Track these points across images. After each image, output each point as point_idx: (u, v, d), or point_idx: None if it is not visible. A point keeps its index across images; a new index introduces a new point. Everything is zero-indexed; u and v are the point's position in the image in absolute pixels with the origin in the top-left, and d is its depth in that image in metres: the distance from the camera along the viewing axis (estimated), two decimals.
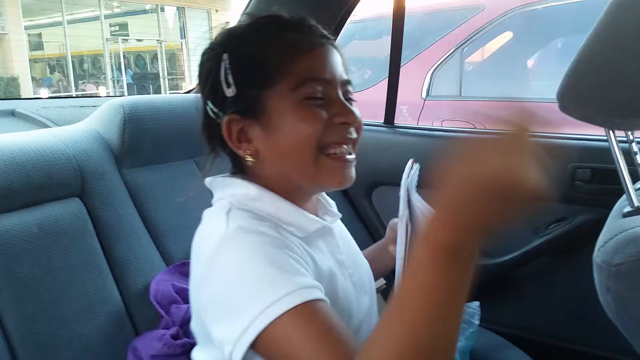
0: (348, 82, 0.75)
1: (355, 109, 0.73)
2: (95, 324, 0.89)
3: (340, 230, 0.87)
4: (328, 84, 0.71)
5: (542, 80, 2.79)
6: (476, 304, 1.20)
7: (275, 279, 0.59)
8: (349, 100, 0.74)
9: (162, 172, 1.14)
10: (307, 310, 0.58)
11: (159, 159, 1.15)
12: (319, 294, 0.60)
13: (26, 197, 0.89)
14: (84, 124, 1.13)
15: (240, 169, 0.77)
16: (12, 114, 1.41)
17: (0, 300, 0.80)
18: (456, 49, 2.50)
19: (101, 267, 0.94)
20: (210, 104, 0.74)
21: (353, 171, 0.74)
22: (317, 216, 0.79)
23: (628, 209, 0.79)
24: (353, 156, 0.74)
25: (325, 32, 0.75)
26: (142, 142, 1.09)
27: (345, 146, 0.72)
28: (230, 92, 0.70)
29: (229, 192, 0.73)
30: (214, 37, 0.76)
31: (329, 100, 0.71)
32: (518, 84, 2.67)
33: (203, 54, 0.76)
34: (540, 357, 1.16)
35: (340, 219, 0.87)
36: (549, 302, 1.42)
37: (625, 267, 0.66)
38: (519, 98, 2.48)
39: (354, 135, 0.74)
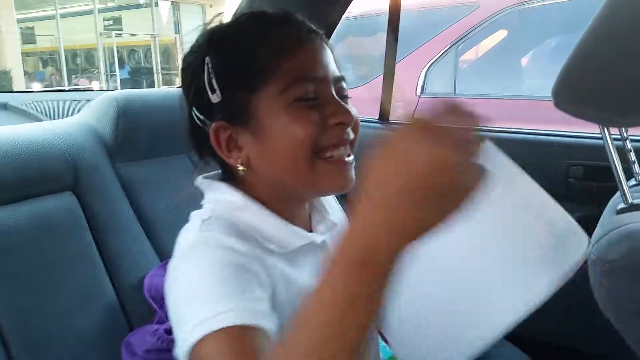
0: (341, 78, 0.70)
1: (351, 107, 0.68)
2: (89, 318, 0.88)
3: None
4: (320, 82, 0.66)
5: (536, 79, 2.80)
6: None
7: (217, 298, 0.57)
8: (344, 98, 0.70)
9: (155, 166, 1.14)
10: (233, 334, 0.54)
11: (152, 153, 1.14)
12: (256, 321, 0.56)
13: (19, 190, 0.88)
14: (77, 117, 1.12)
15: (230, 176, 0.72)
16: (5, 107, 1.40)
17: None
18: (451, 46, 2.50)
19: (95, 262, 0.93)
20: (195, 111, 0.69)
21: (353, 173, 0.68)
22: (311, 225, 0.75)
23: (622, 205, 0.79)
24: (352, 157, 0.69)
25: (313, 27, 0.70)
26: (136, 136, 1.09)
27: (342, 148, 0.67)
28: (215, 98, 0.66)
29: (214, 197, 0.70)
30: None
31: (323, 100, 0.66)
32: (512, 82, 2.67)
33: (184, 58, 0.72)
34: (533, 353, 1.17)
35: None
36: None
37: (619, 263, 0.67)
38: (513, 96, 2.49)
39: (352, 135, 0.68)
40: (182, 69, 0.71)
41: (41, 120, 1.29)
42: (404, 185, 0.42)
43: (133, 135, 1.08)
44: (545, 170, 1.35)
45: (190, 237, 0.65)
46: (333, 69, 0.69)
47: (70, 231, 0.91)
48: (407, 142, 0.43)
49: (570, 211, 1.36)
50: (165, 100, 1.15)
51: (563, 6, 2.60)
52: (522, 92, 2.61)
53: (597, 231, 0.76)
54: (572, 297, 1.38)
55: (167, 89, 1.21)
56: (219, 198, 0.70)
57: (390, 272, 0.44)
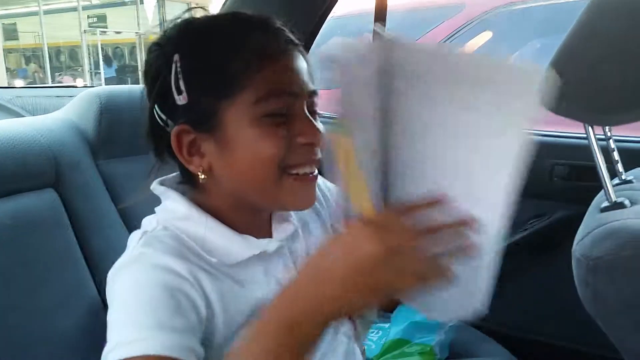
0: (314, 92, 0.66)
1: (320, 124, 0.65)
2: (71, 318, 0.87)
3: (307, 243, 0.75)
4: (294, 97, 0.63)
5: None
6: None
7: (139, 323, 0.57)
8: (314, 113, 0.66)
9: (138, 163, 1.11)
10: None
11: (135, 151, 1.12)
12: (173, 353, 0.55)
13: None
14: (59, 113, 1.11)
15: (189, 179, 0.69)
16: None
17: None
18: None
19: (77, 260, 0.92)
20: (157, 109, 0.66)
21: (315, 191, 0.68)
22: (271, 229, 0.72)
23: (606, 204, 0.80)
24: (316, 172, 0.67)
25: (291, 37, 0.66)
26: (119, 132, 1.07)
27: (309, 166, 0.65)
28: (181, 99, 0.62)
29: (163, 205, 0.68)
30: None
31: (293, 117, 0.63)
32: None
33: (150, 49, 0.66)
34: (518, 351, 1.18)
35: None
36: (527, 297, 1.44)
37: (604, 261, 0.67)
38: None
39: (319, 155, 0.66)
40: (146, 61, 0.67)
41: (22, 116, 1.27)
42: (342, 274, 0.46)
43: (116, 132, 1.06)
44: (529, 169, 1.36)
45: (128, 252, 0.65)
46: (307, 83, 0.66)
47: (52, 229, 0.90)
48: (358, 237, 0.47)
49: (555, 210, 1.38)
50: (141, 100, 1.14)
51: (547, 8, 2.62)
52: None
53: (581, 229, 0.76)
54: (556, 295, 1.39)
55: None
56: (166, 207, 0.68)
57: (315, 339, 0.49)
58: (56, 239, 0.90)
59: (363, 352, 1.13)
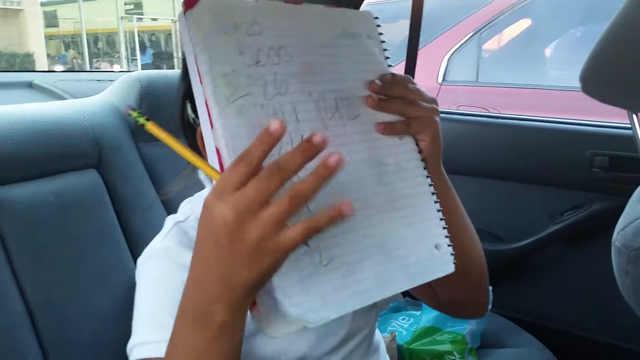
0: None
1: None
2: (110, 294, 0.90)
3: None
4: None
5: (559, 70, 2.75)
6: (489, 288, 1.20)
7: (157, 324, 0.59)
8: None
9: None
10: None
11: (174, 134, 1.15)
12: None
13: (44, 166, 0.89)
14: (101, 96, 1.13)
15: None
16: (30, 85, 1.42)
17: (20, 268, 0.81)
18: (474, 33, 2.47)
19: (117, 239, 0.94)
20: (188, 107, 0.66)
21: None
22: None
23: None
24: None
25: None
26: (158, 117, 1.07)
27: None
28: None
29: (202, 192, 0.69)
30: None
31: None
32: (535, 72, 2.63)
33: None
34: (551, 344, 1.16)
35: None
36: (562, 289, 1.42)
37: None
38: (536, 85, 2.45)
39: None
40: (182, 57, 0.66)
41: (65, 99, 1.30)
42: (215, 251, 0.44)
43: (155, 116, 1.07)
44: (567, 160, 1.33)
45: (158, 240, 0.66)
46: None
47: (94, 208, 0.92)
48: (208, 208, 0.44)
49: (593, 201, 1.35)
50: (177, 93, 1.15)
51: None
52: (545, 82, 2.57)
53: (623, 219, 0.75)
54: (592, 288, 1.37)
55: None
56: (194, 205, 0.69)
57: (229, 327, 0.46)
58: (97, 218, 0.92)
59: (393, 339, 1.14)
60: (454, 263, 0.60)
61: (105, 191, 0.96)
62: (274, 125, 0.42)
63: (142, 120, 0.53)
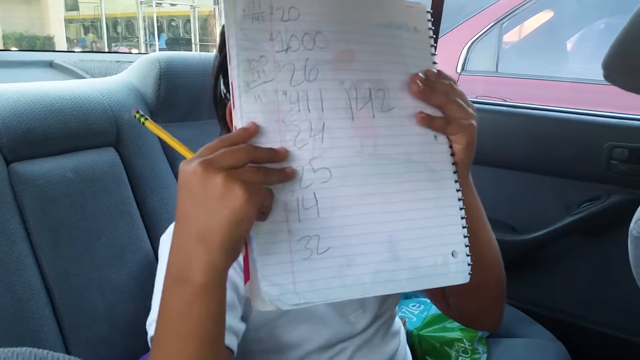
0: None
1: None
2: (126, 270, 0.91)
3: None
4: None
5: (580, 63, 2.71)
6: None
7: None
8: None
9: (194, 129, 1.15)
10: None
11: (191, 116, 1.16)
12: None
13: (63, 143, 0.91)
14: (120, 76, 1.14)
15: None
16: (50, 65, 1.44)
17: (38, 241, 0.82)
18: (495, 23, 2.44)
19: (133, 216, 0.96)
20: (221, 82, 0.69)
21: None
22: None
23: None
24: None
25: None
26: (176, 97, 1.10)
27: None
28: None
29: None
30: None
31: None
32: (556, 65, 2.59)
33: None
34: (563, 336, 1.16)
35: None
36: (575, 281, 1.41)
37: None
38: (556, 77, 2.42)
39: None
40: (220, 33, 0.70)
41: (85, 79, 1.32)
42: (184, 205, 0.48)
43: (174, 97, 1.09)
44: (585, 151, 1.32)
45: None
46: None
47: (111, 185, 0.94)
48: (181, 168, 0.49)
49: (611, 194, 1.33)
50: (206, 64, 1.15)
51: None
52: (566, 75, 2.53)
53: None
54: (606, 281, 1.35)
55: (208, 53, 1.22)
56: None
57: (207, 288, 0.47)
58: (114, 196, 0.94)
59: (404, 324, 1.15)
60: (470, 274, 0.58)
61: (122, 169, 0.97)
62: (249, 125, 0.50)
63: (142, 119, 0.59)
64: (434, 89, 0.58)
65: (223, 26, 0.69)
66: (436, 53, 0.61)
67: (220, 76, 0.69)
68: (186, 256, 0.48)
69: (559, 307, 1.42)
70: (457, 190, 0.59)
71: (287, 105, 0.52)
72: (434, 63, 0.60)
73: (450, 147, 0.60)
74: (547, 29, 2.66)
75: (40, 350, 0.47)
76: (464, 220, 0.59)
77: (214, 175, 0.45)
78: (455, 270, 0.57)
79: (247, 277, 0.51)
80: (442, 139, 0.60)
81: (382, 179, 0.55)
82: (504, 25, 2.47)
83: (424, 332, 1.11)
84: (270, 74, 0.52)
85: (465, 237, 0.58)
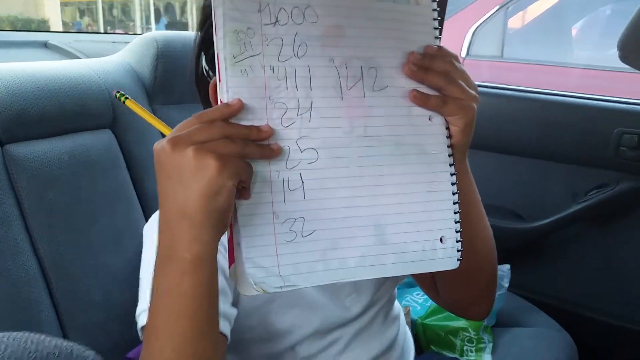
0: None
1: None
2: (122, 255, 0.89)
3: None
4: None
5: (587, 50, 2.67)
6: (507, 266, 1.18)
7: None
8: None
9: (192, 111, 1.10)
10: None
11: (189, 98, 1.12)
12: None
13: (58, 124, 0.87)
14: (116, 56, 1.11)
15: None
16: (45, 45, 1.40)
17: (34, 225, 0.80)
18: (501, 7, 2.39)
19: (131, 200, 0.93)
20: (203, 59, 0.67)
21: None
22: None
23: None
24: None
25: None
26: (174, 79, 1.07)
27: None
28: None
29: None
30: None
31: None
32: (562, 50, 2.56)
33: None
34: (568, 326, 1.14)
35: None
36: (582, 270, 1.39)
37: None
38: (562, 63, 2.39)
39: None
40: (202, 8, 0.68)
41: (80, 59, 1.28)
42: (161, 182, 0.47)
43: (171, 78, 1.06)
44: (594, 138, 1.29)
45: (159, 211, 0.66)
46: None
47: (108, 168, 0.91)
48: (156, 144, 0.48)
49: (620, 181, 1.31)
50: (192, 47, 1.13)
51: None
52: (571, 61, 2.50)
53: None
54: (614, 270, 1.34)
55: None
56: None
57: (195, 263, 0.47)
58: (111, 179, 0.91)
59: (408, 313, 1.13)
60: (459, 260, 0.56)
61: (119, 152, 0.94)
62: (234, 102, 0.47)
63: (122, 98, 0.58)
64: (432, 68, 0.55)
65: (205, 0, 0.67)
66: (440, 27, 0.57)
67: (202, 53, 0.67)
68: (171, 234, 0.47)
69: (564, 296, 1.41)
70: (452, 175, 0.57)
71: (274, 82, 0.50)
72: (436, 38, 0.57)
73: (447, 128, 0.57)
74: (552, 14, 2.62)
75: (37, 334, 0.45)
76: (456, 206, 0.57)
77: (184, 149, 0.44)
78: (444, 255, 0.56)
79: (231, 260, 0.50)
80: (437, 119, 0.57)
81: (372, 161, 0.53)
82: (509, 9, 2.43)
83: (428, 320, 1.10)
84: (257, 48, 0.49)
85: (456, 222, 0.56)
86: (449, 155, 0.57)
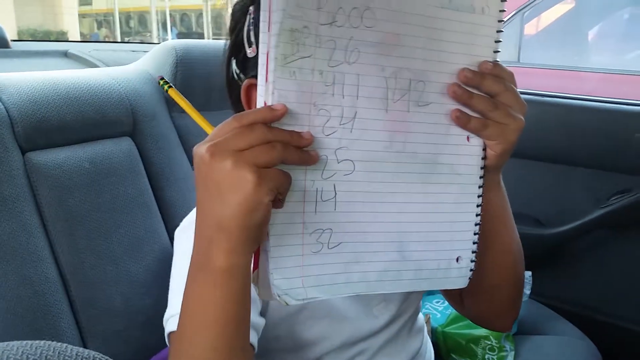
0: None
1: None
2: (142, 262, 0.89)
3: None
4: None
5: (604, 55, 2.64)
6: (528, 273, 1.16)
7: None
8: None
9: (210, 119, 1.11)
10: None
11: (208, 106, 1.12)
12: None
13: (79, 132, 0.88)
14: (136, 64, 1.12)
15: None
16: (65, 54, 1.42)
17: (54, 232, 0.80)
18: (517, 12, 2.38)
19: (150, 207, 0.93)
20: (233, 63, 0.67)
21: None
22: None
23: None
24: None
25: None
26: (193, 86, 1.07)
27: None
28: (251, 52, 0.61)
29: None
30: None
31: None
32: (579, 55, 2.54)
33: (235, 3, 0.68)
34: (591, 334, 1.12)
35: None
36: (605, 277, 1.37)
37: None
38: (580, 68, 2.36)
39: None
40: (231, 14, 0.68)
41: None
42: (198, 189, 0.47)
43: (190, 85, 1.06)
44: (615, 142, 1.27)
45: (191, 215, 0.67)
46: None
47: (128, 176, 0.91)
48: (195, 148, 0.47)
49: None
50: (222, 53, 1.13)
51: None
52: (588, 65, 2.48)
53: None
54: (637, 276, 1.31)
55: (225, 41, 1.19)
56: None
57: (229, 272, 0.46)
58: (131, 186, 0.91)
59: (428, 321, 1.11)
60: (470, 279, 0.56)
61: (139, 160, 0.95)
62: (278, 107, 0.45)
63: (166, 86, 0.58)
64: (480, 88, 0.52)
65: (235, 6, 0.67)
66: (501, 40, 0.54)
67: (233, 58, 0.67)
68: (207, 243, 0.47)
69: (587, 303, 1.38)
70: (479, 197, 0.56)
71: (321, 87, 0.47)
72: (495, 52, 0.54)
73: (484, 149, 0.55)
74: (568, 19, 2.60)
75: (58, 343, 0.45)
76: (477, 227, 0.56)
77: (222, 160, 0.43)
78: (457, 275, 0.56)
79: (255, 265, 0.49)
80: (475, 141, 0.55)
81: (404, 178, 0.52)
82: (526, 14, 2.42)
83: (448, 329, 1.08)
84: (309, 49, 0.46)
85: (474, 243, 0.56)
86: (480, 177, 0.56)
